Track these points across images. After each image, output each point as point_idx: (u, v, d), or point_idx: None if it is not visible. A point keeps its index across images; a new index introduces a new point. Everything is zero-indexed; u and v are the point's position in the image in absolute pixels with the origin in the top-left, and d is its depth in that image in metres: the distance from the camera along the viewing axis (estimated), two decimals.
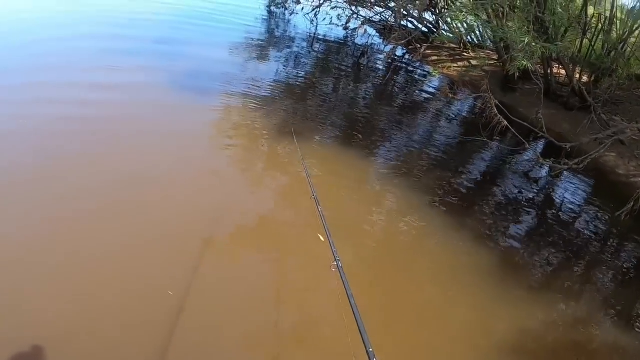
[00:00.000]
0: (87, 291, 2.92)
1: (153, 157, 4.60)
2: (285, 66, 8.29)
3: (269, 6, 12.58)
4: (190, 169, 4.54)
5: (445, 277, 3.78)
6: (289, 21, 11.98)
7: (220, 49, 8.67)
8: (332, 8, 11.35)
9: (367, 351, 1.82)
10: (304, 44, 10.10)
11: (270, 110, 6.08)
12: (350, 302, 2.09)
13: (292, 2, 12.07)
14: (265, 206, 4.23)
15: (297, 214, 4.09)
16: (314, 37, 10.73)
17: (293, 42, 10.19)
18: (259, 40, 9.91)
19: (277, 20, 12.19)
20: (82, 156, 4.35)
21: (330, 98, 7.05)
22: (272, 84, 7.13)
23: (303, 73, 8.01)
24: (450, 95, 6.77)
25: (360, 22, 10.66)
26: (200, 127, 5.53)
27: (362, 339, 1.89)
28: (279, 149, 5.17)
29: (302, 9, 11.83)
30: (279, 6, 12.40)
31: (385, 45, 9.85)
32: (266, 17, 12.16)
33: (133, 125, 5.21)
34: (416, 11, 9.35)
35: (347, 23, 10.87)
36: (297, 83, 7.44)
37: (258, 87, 6.84)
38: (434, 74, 6.24)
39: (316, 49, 9.87)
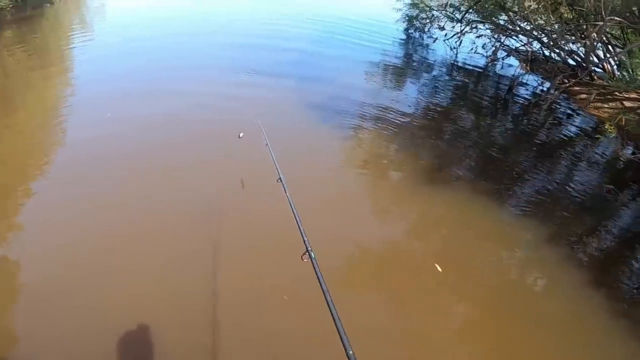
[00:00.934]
0: None
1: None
2: (421, 94, 8.37)
3: (407, 29, 12.81)
4: (315, 187, 4.91)
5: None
6: (427, 46, 12.06)
7: (355, 68, 9.16)
8: (478, 36, 11.26)
9: (347, 354, 1.65)
10: (443, 72, 10.09)
11: (401, 141, 6.24)
12: (326, 298, 1.91)
13: (435, 27, 12.17)
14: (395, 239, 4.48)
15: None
16: (454, 64, 10.69)
17: (431, 68, 10.24)
18: (395, 63, 10.15)
19: (414, 44, 12.34)
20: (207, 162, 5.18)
21: (467, 134, 6.92)
22: (406, 112, 7.22)
23: (440, 103, 8.00)
24: (621, 155, 6.40)
25: (505, 53, 10.44)
26: (328, 149, 5.87)
27: (342, 341, 1.68)
28: (400, 182, 5.40)
29: (445, 34, 11.85)
30: (418, 30, 12.57)
31: (550, 89, 9.28)
32: (404, 40, 12.40)
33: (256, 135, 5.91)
34: (579, 46, 8.88)
35: (494, 54, 10.64)
36: (433, 114, 7.45)
37: (391, 114, 7.01)
38: (609, 130, 5.87)
39: (456, 78, 9.82)
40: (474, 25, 11.19)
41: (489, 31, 11.06)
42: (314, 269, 2.14)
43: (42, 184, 4.71)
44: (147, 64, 8.78)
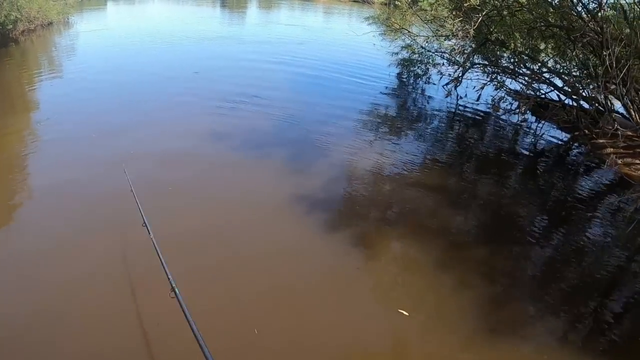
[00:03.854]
0: None
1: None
2: (418, 146, 6.98)
3: (400, 74, 11.56)
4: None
5: None
6: (423, 91, 10.77)
7: (340, 118, 7.92)
8: (481, 80, 10.00)
9: None
10: (443, 121, 8.79)
11: (392, 200, 5.35)
12: (192, 329, 1.99)
13: (434, 72, 10.91)
14: None
15: None
16: (455, 112, 9.34)
17: (428, 117, 8.96)
18: (387, 110, 8.96)
19: (410, 90, 11.01)
20: None
21: (470, 194, 5.74)
22: (401, 166, 6.08)
23: (439, 157, 6.75)
24: None
25: (512, 98, 9.22)
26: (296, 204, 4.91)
27: None
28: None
29: (448, 79, 10.45)
30: (414, 75, 11.28)
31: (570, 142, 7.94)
32: (397, 86, 11.10)
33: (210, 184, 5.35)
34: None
35: (499, 100, 9.31)
36: (431, 169, 6.24)
37: (383, 168, 6.03)
38: None
39: (455, 128, 8.49)
40: (477, 69, 9.96)
41: (493, 75, 9.80)
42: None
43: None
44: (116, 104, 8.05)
